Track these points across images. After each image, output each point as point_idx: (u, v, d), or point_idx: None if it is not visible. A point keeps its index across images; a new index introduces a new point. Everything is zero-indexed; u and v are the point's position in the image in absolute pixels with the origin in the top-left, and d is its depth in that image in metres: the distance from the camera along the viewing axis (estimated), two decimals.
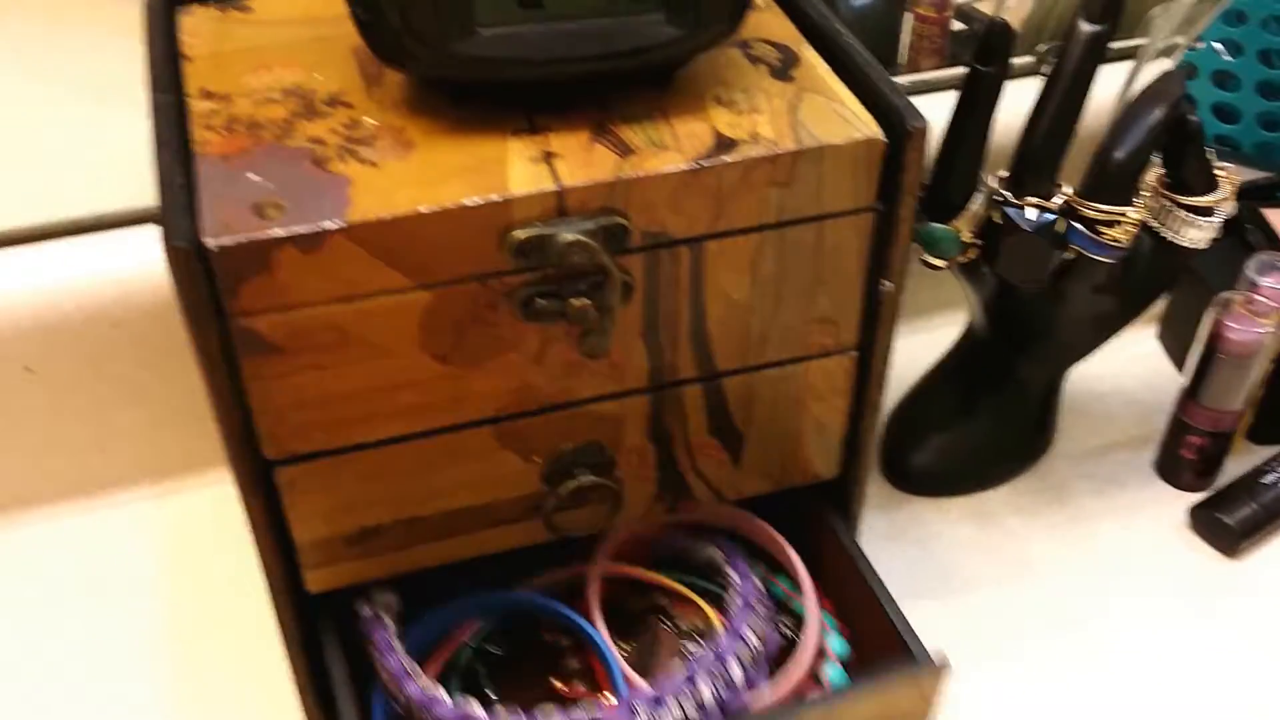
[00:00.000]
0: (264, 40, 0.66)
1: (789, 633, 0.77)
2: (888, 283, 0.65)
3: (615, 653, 0.71)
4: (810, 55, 0.67)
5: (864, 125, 0.61)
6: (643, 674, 0.73)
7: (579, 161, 0.58)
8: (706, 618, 0.76)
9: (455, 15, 0.56)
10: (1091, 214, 0.74)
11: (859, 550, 0.74)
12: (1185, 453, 0.88)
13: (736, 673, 0.67)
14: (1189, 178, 0.77)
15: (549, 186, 0.57)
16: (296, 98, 0.62)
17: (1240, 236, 0.96)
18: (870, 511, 0.77)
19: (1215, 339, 0.84)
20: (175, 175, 0.56)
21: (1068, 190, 0.76)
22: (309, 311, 0.56)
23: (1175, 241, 0.78)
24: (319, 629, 0.70)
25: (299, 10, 0.68)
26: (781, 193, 0.60)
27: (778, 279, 0.64)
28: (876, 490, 0.88)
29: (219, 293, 0.54)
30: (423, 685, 0.66)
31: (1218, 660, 0.80)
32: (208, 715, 0.77)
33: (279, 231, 0.54)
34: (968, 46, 1.04)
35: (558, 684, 0.75)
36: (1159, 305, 0.97)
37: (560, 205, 0.57)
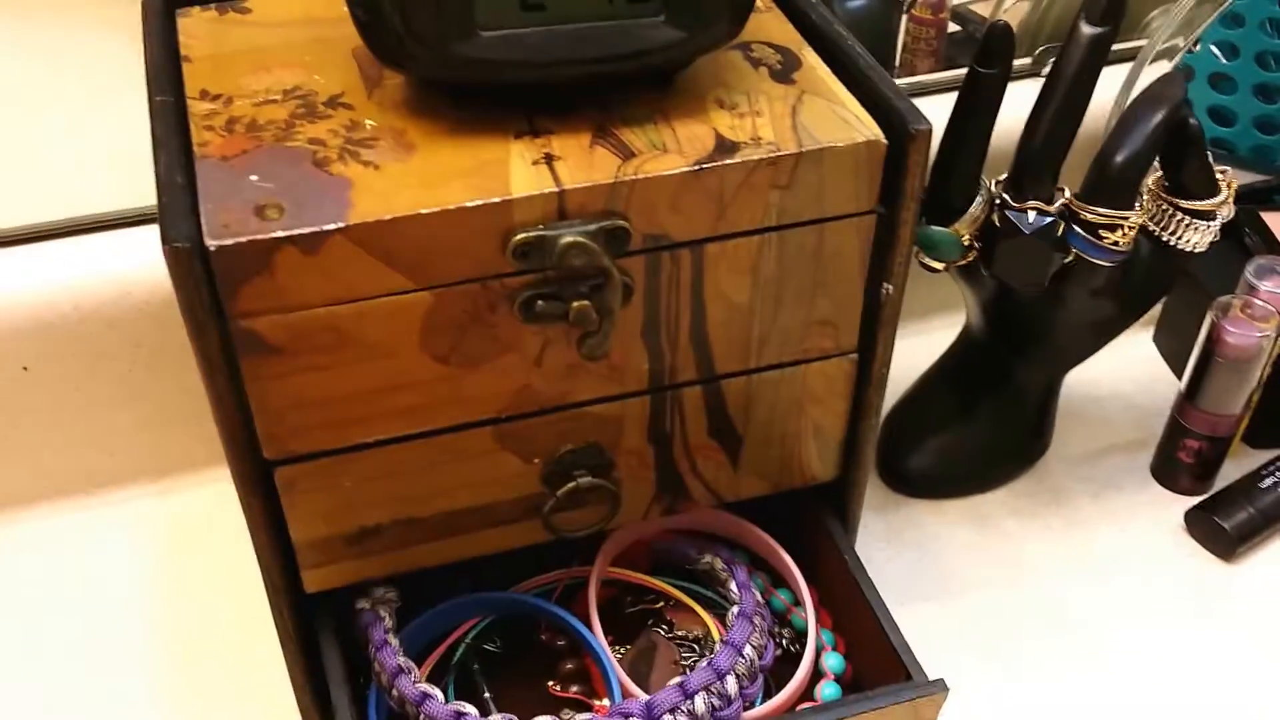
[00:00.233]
0: (263, 41, 0.65)
1: (787, 645, 0.77)
2: (889, 286, 0.65)
3: (611, 658, 0.71)
4: (811, 58, 0.66)
5: (865, 128, 0.61)
6: (638, 679, 0.73)
7: (580, 164, 0.58)
8: (705, 625, 0.76)
9: (456, 17, 0.56)
10: (1091, 218, 0.74)
11: (857, 559, 0.74)
12: (1182, 456, 0.88)
13: (731, 686, 0.67)
14: (1189, 181, 0.77)
15: (550, 189, 0.57)
16: (297, 99, 0.61)
17: (1238, 240, 0.96)
18: (867, 513, 0.77)
19: (1213, 343, 0.84)
20: (175, 176, 0.55)
21: (1068, 193, 0.76)
22: (309, 313, 0.56)
23: (1174, 245, 0.78)
24: (317, 628, 0.69)
25: (298, 11, 0.68)
26: (782, 195, 0.60)
27: (778, 281, 0.64)
28: (873, 492, 0.88)
29: (219, 294, 0.54)
30: (415, 681, 0.66)
31: (1214, 664, 0.80)
32: (205, 713, 0.77)
33: (279, 233, 0.54)
34: (964, 49, 1.04)
35: (553, 686, 0.75)
36: (1156, 308, 0.97)
37: (561, 207, 0.57)
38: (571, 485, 0.67)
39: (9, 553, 0.87)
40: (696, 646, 0.77)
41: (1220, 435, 0.87)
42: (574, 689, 0.74)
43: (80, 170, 0.87)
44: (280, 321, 0.56)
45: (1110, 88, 0.91)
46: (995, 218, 0.75)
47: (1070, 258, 0.76)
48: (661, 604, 0.79)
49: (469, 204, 0.56)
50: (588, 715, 0.66)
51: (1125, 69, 0.94)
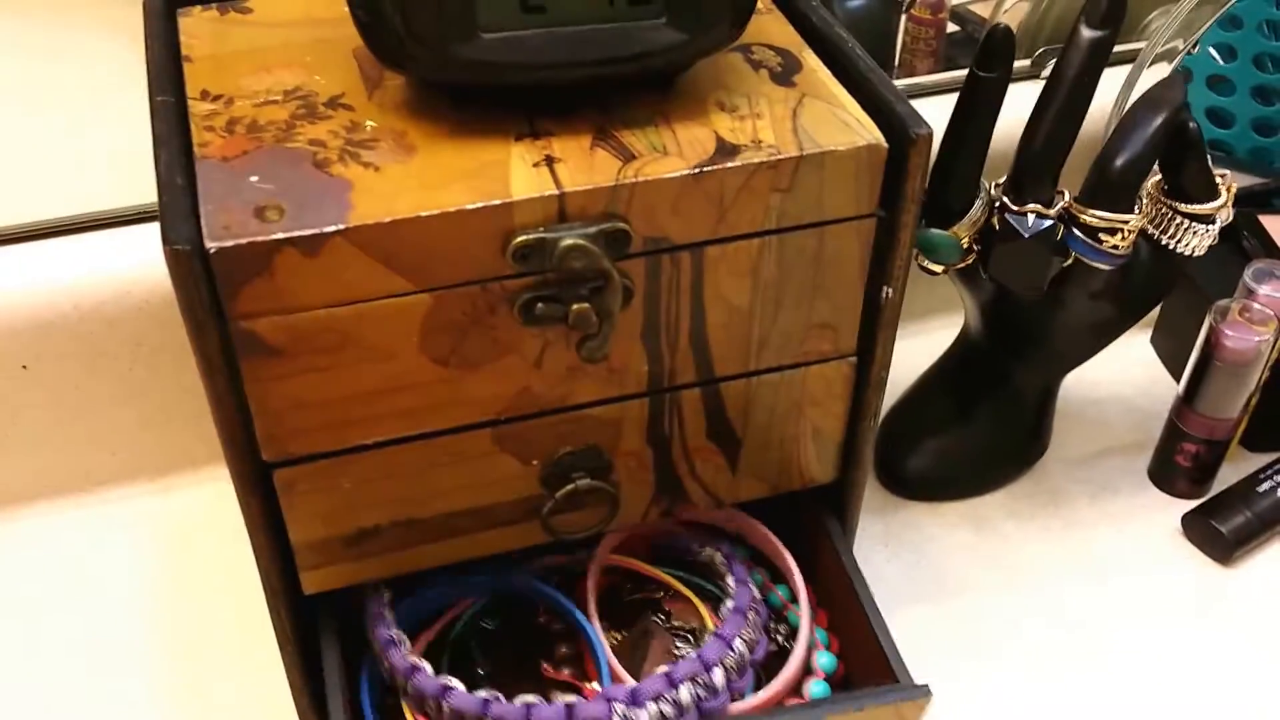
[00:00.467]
0: (264, 42, 0.65)
1: (783, 641, 0.77)
2: (889, 289, 0.65)
3: (605, 644, 0.71)
4: (812, 60, 0.66)
5: (866, 131, 0.61)
6: (631, 666, 0.73)
7: (580, 166, 0.58)
8: (701, 617, 0.76)
9: (457, 18, 0.56)
10: (1091, 221, 0.74)
11: (853, 561, 0.74)
12: (1180, 460, 0.89)
13: (719, 678, 0.67)
14: (1188, 185, 0.77)
15: (550, 191, 0.56)
16: (297, 100, 0.61)
17: (1236, 243, 0.96)
18: (866, 515, 0.77)
19: (1212, 347, 0.84)
20: (175, 176, 0.55)
21: (1067, 197, 0.76)
22: (309, 314, 0.56)
23: (1173, 249, 0.78)
24: (318, 629, 0.69)
25: (299, 12, 0.68)
26: (783, 198, 0.60)
27: (778, 284, 0.64)
28: (871, 494, 0.88)
29: (219, 295, 0.54)
30: (406, 654, 0.67)
31: (1211, 667, 0.80)
32: (203, 712, 0.77)
33: (279, 234, 0.54)
34: (963, 49, 1.04)
35: (547, 668, 0.75)
36: (1154, 311, 0.97)
37: (561, 210, 0.57)
38: (570, 487, 0.67)
39: (8, 551, 0.87)
40: (691, 637, 0.77)
41: (1218, 439, 0.87)
42: (566, 672, 0.75)
43: (81, 168, 0.86)
44: (280, 323, 0.56)
45: (1110, 90, 0.91)
46: (995, 221, 0.75)
47: (1069, 261, 0.76)
48: (661, 594, 0.79)
49: (469, 206, 0.55)
50: (573, 697, 0.66)
51: (1125, 71, 0.94)
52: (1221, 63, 1.09)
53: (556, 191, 0.57)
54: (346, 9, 0.58)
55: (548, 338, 0.61)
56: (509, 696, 0.66)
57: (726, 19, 0.60)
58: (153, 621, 0.82)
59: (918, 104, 0.62)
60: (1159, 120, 0.74)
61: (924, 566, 0.85)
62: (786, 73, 0.65)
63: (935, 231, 0.76)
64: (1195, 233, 0.77)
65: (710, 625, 0.75)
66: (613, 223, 0.58)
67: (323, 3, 0.68)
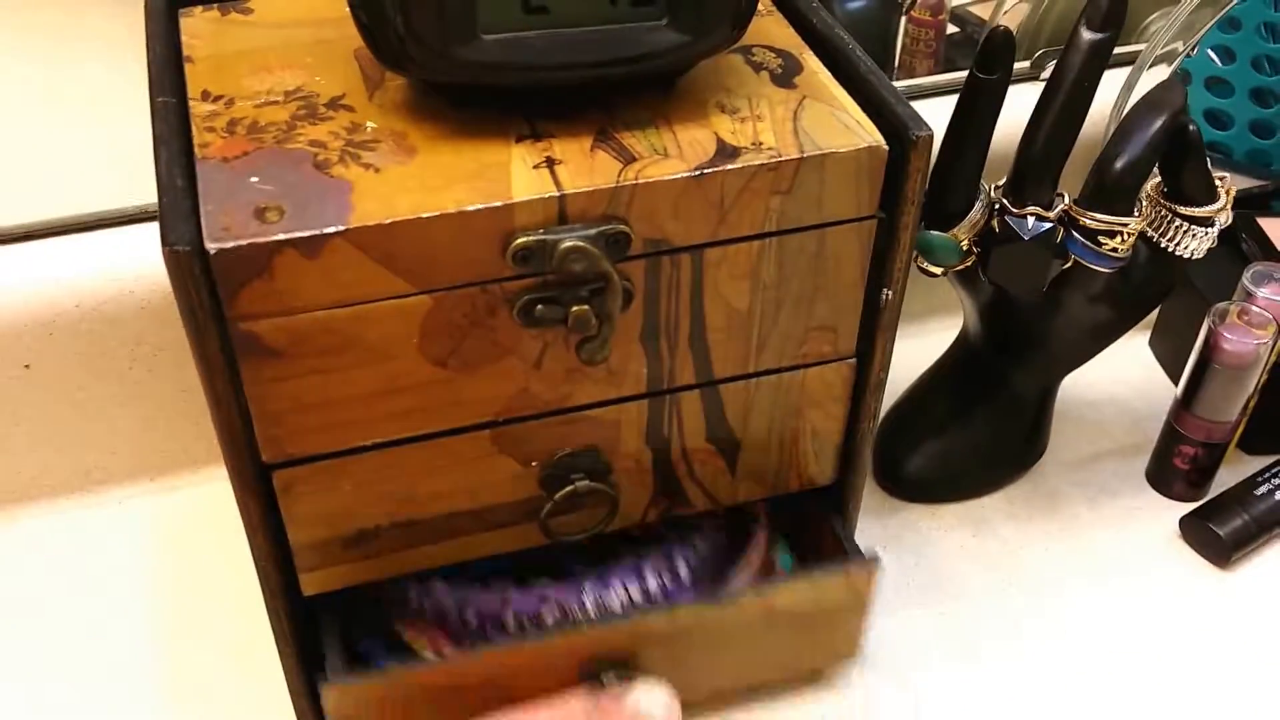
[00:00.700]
0: (265, 42, 0.65)
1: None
2: (888, 291, 0.65)
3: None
4: (812, 62, 0.66)
5: (866, 133, 0.61)
6: None
7: (581, 168, 0.58)
8: None
9: (458, 20, 0.56)
10: (1091, 224, 0.74)
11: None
12: (1178, 462, 0.89)
13: (683, 570, 0.70)
14: (1188, 187, 0.77)
15: (550, 193, 0.56)
16: (298, 100, 0.61)
17: (1235, 246, 0.96)
18: (864, 517, 0.77)
19: (1210, 349, 0.84)
20: (176, 177, 0.55)
21: (1067, 199, 0.76)
22: (309, 316, 0.56)
23: (1172, 251, 0.78)
24: (316, 628, 0.69)
25: (300, 12, 0.68)
26: (783, 200, 0.60)
27: (778, 286, 0.64)
28: (869, 496, 0.88)
29: (219, 296, 0.54)
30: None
31: (1208, 670, 0.80)
32: (203, 712, 0.77)
33: (279, 235, 0.53)
34: (962, 50, 1.04)
35: None
36: (1152, 313, 0.97)
37: (562, 211, 0.57)
38: (569, 489, 0.67)
39: (8, 550, 0.87)
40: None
41: (1216, 442, 0.87)
42: None
43: (82, 168, 0.86)
44: (280, 324, 0.56)
45: (1109, 92, 0.91)
46: (994, 223, 0.75)
47: (1069, 264, 0.76)
48: None
49: (470, 208, 0.55)
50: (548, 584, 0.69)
51: (1124, 73, 0.94)
52: (1220, 65, 1.09)
53: (557, 193, 0.56)
54: (347, 9, 0.57)
55: (547, 339, 0.61)
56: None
57: (728, 21, 0.60)
58: (152, 621, 0.82)
59: (917, 105, 0.62)
60: (1159, 123, 0.74)
61: (922, 568, 0.85)
62: (787, 74, 0.65)
63: (935, 234, 0.76)
64: (1194, 235, 0.77)
65: None
66: (613, 225, 0.58)
67: (324, 3, 0.68)
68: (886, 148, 0.61)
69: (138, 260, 0.82)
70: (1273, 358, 0.85)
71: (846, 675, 0.79)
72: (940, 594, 0.84)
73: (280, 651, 0.68)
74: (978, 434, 0.89)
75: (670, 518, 0.73)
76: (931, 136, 0.61)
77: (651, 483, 0.70)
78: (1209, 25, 0.92)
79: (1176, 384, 0.88)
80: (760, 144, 0.60)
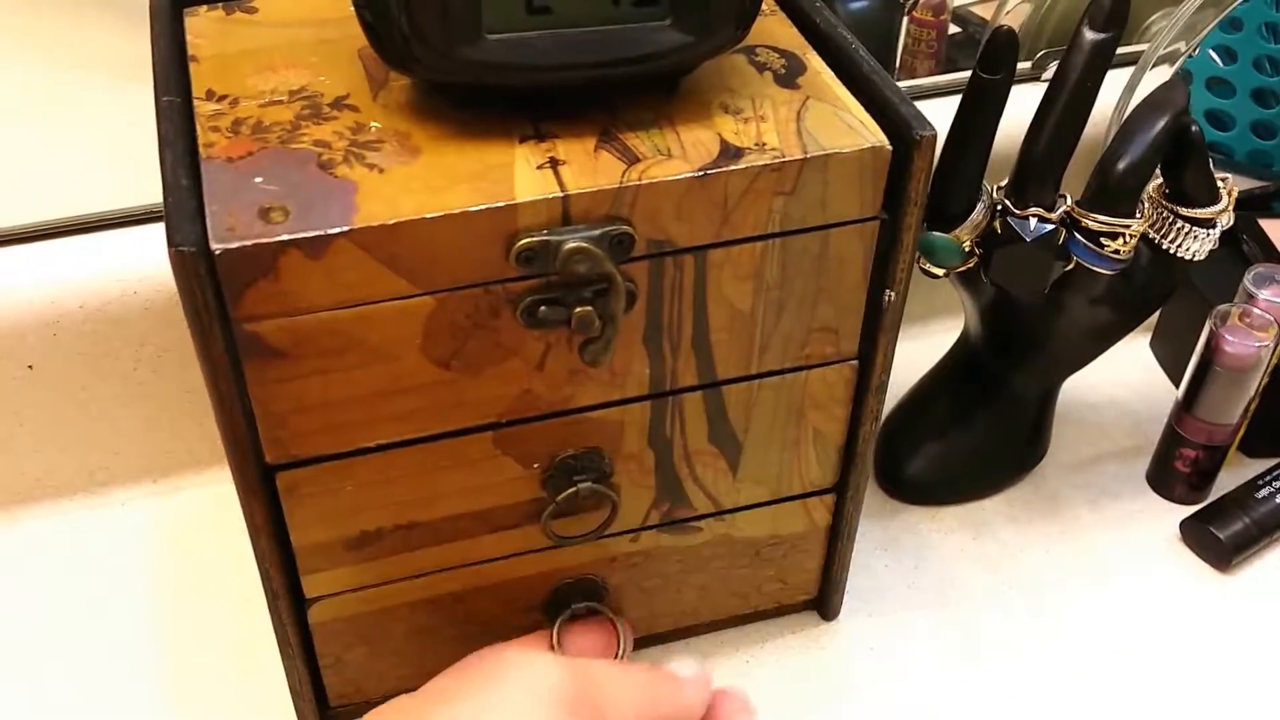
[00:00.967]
0: (270, 42, 0.65)
1: None
2: (891, 292, 0.65)
3: None
4: (816, 62, 0.66)
5: (870, 133, 0.61)
6: None
7: (584, 169, 0.58)
8: None
9: (463, 19, 0.56)
10: (1093, 225, 0.74)
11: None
12: (1179, 465, 0.89)
13: None
14: (1190, 188, 0.77)
15: (554, 193, 0.56)
16: (302, 100, 0.61)
17: (1236, 247, 0.96)
18: (864, 519, 0.77)
19: (1211, 352, 0.84)
20: (180, 178, 0.55)
21: (1069, 201, 0.76)
22: (313, 316, 0.56)
23: (1174, 253, 0.78)
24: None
25: (304, 12, 0.68)
26: (786, 201, 0.60)
27: (781, 287, 0.63)
28: (870, 498, 0.88)
29: (223, 297, 0.54)
30: None
31: (1209, 674, 0.80)
32: (205, 714, 0.77)
33: (284, 236, 0.53)
34: (964, 50, 1.04)
35: None
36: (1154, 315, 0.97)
37: (565, 212, 0.57)
38: (571, 491, 0.67)
39: (12, 551, 0.87)
40: None
41: (1217, 444, 0.87)
42: None
43: (86, 168, 0.86)
44: (284, 325, 0.56)
45: (1111, 93, 0.91)
46: (996, 224, 0.75)
47: (1070, 265, 0.76)
48: None
49: (473, 208, 0.55)
50: None
51: (1126, 74, 0.94)
52: (1221, 65, 1.09)
53: (560, 194, 0.56)
54: (351, 9, 0.57)
55: (550, 340, 0.61)
56: None
57: (731, 21, 0.60)
58: (155, 622, 0.82)
59: (919, 106, 0.62)
60: (1161, 124, 0.73)
61: (923, 571, 0.85)
62: (790, 75, 0.65)
63: (937, 235, 0.76)
64: (1196, 237, 0.77)
65: None
66: (616, 225, 0.58)
67: (328, 2, 0.68)
68: (890, 148, 0.61)
69: (142, 261, 0.82)
70: (1274, 360, 0.85)
71: (846, 679, 0.79)
72: (941, 597, 0.84)
73: (283, 653, 0.68)
74: (978, 436, 0.89)
75: None
76: (935, 136, 0.61)
77: (653, 484, 0.70)
78: (1211, 26, 0.92)
79: (1178, 386, 0.88)
80: (764, 144, 0.60)
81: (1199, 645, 0.81)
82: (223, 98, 0.61)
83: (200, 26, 0.66)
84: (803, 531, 0.76)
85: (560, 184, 0.57)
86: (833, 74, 0.65)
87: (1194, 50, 0.95)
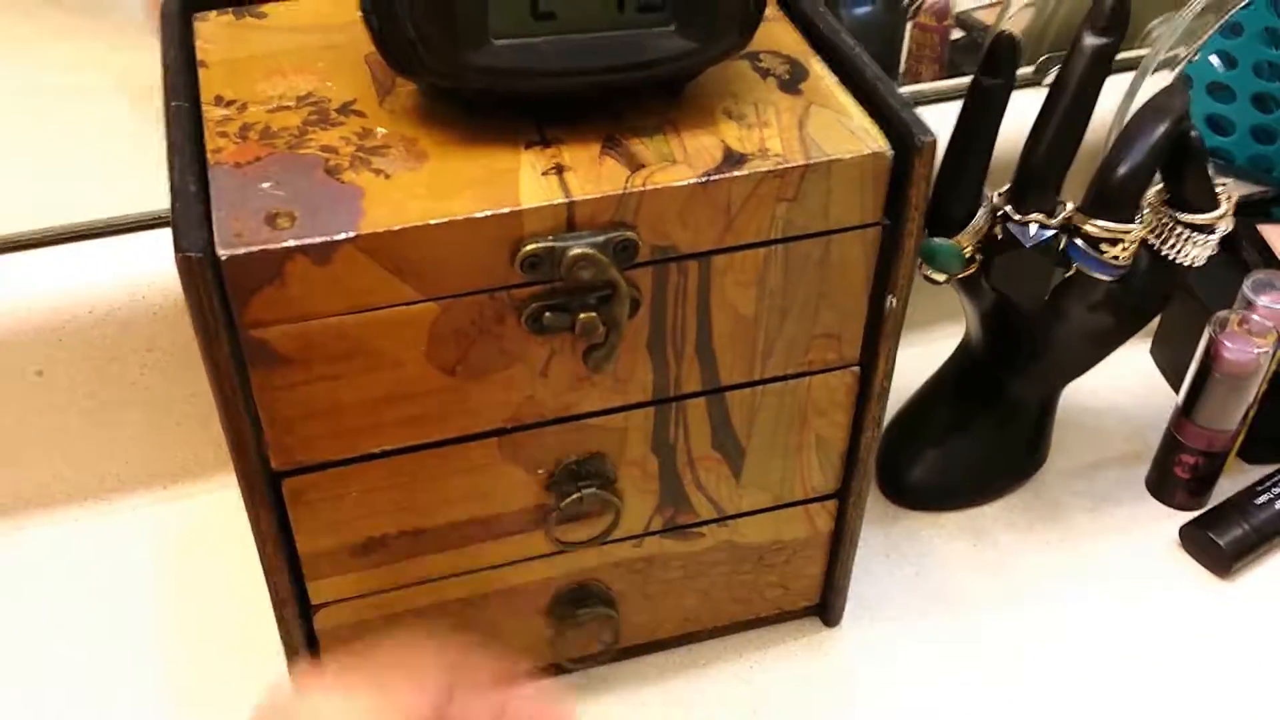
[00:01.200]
0: (278, 47, 0.65)
1: None
2: (893, 298, 0.65)
3: None
4: (819, 67, 0.66)
5: (872, 139, 0.61)
6: None
7: (589, 175, 0.58)
8: None
9: (469, 25, 0.56)
10: (1093, 231, 0.74)
11: None
12: (1178, 471, 0.89)
13: None
14: (1190, 194, 0.77)
15: (559, 200, 0.56)
16: (310, 105, 0.61)
17: (1236, 253, 0.96)
18: (866, 526, 0.77)
19: (1211, 358, 0.84)
20: (188, 183, 0.55)
21: (1069, 207, 0.76)
22: (319, 322, 0.56)
23: (1174, 259, 0.78)
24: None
25: (312, 17, 0.68)
26: (789, 207, 0.60)
27: (784, 293, 0.64)
28: (871, 504, 0.88)
29: (230, 303, 0.54)
30: None
31: (1208, 680, 0.80)
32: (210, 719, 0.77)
33: (291, 242, 0.53)
34: (967, 54, 1.05)
35: None
36: (1154, 320, 0.97)
37: (570, 219, 0.57)
38: (575, 496, 0.67)
39: (19, 556, 0.87)
40: None
41: (1216, 451, 0.87)
42: None
43: (94, 173, 0.86)
44: (291, 331, 0.56)
45: (1112, 97, 0.91)
46: (997, 230, 0.76)
47: (1071, 271, 0.77)
48: None
49: (479, 215, 0.55)
50: None
51: (1127, 78, 0.94)
52: (1221, 70, 1.09)
53: (565, 200, 0.57)
54: (356, 14, 0.58)
55: (554, 347, 0.61)
56: None
57: (735, 27, 0.60)
58: (161, 628, 0.82)
59: (922, 111, 0.62)
60: (1161, 130, 0.74)
61: (924, 579, 0.85)
62: (794, 80, 0.65)
63: (938, 240, 0.76)
64: (1195, 243, 0.77)
65: None
66: (621, 232, 0.58)
67: (336, 7, 0.68)
68: (892, 154, 0.61)
69: (150, 266, 0.82)
70: (1273, 367, 0.85)
71: (849, 685, 0.79)
72: (942, 603, 0.84)
73: (288, 659, 0.68)
74: (979, 442, 0.89)
75: None
76: (935, 142, 0.61)
77: (657, 490, 0.70)
78: (1212, 31, 0.92)
79: (1177, 392, 0.89)
80: (767, 150, 0.60)
81: (1199, 650, 0.81)
82: (231, 103, 0.61)
83: (210, 31, 0.66)
84: (805, 537, 0.76)
85: (565, 190, 0.57)
86: (835, 80, 0.65)
87: (1194, 55, 0.95)
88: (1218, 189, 0.78)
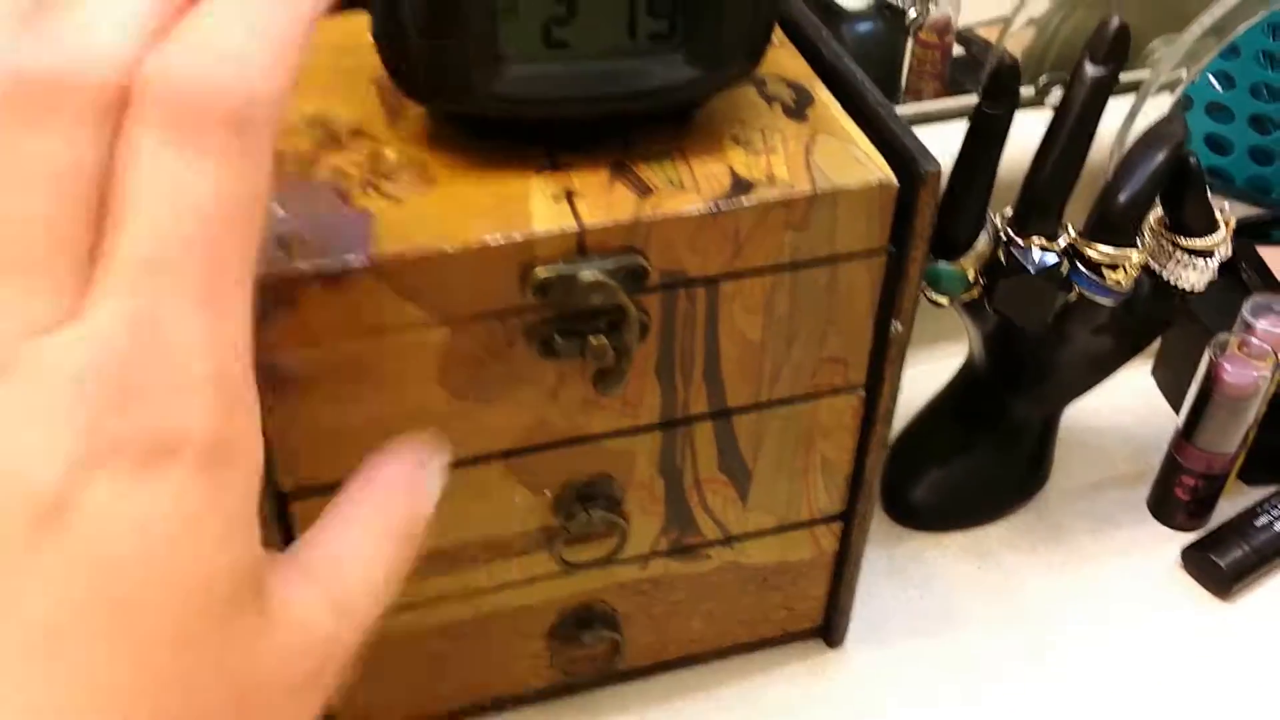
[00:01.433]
0: None
1: None
2: (898, 324, 0.66)
3: None
4: (823, 94, 0.67)
5: (877, 168, 0.61)
6: None
7: (599, 201, 0.58)
8: None
9: (482, 52, 0.56)
10: (1095, 256, 0.75)
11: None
12: (1179, 493, 0.89)
13: None
14: (1189, 219, 0.77)
15: (570, 226, 0.57)
16: (320, 128, 0.62)
17: (1235, 275, 0.97)
18: (870, 546, 0.77)
19: (1211, 381, 0.84)
20: None
21: (1071, 232, 0.76)
22: (329, 346, 0.56)
23: (1174, 283, 0.79)
24: None
25: (319, 37, 0.67)
26: (796, 235, 0.61)
27: (791, 318, 0.64)
28: (874, 524, 0.88)
29: None
30: None
31: (1209, 701, 0.80)
32: None
33: (304, 267, 0.54)
34: (967, 71, 1.05)
35: None
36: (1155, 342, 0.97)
37: (581, 244, 0.57)
38: (581, 517, 0.67)
39: None
40: None
41: (1216, 473, 0.88)
42: None
43: None
44: (301, 354, 0.56)
45: (1112, 119, 0.92)
46: (1000, 254, 0.76)
47: (1073, 295, 0.77)
48: None
49: (491, 240, 0.56)
50: None
51: (1128, 100, 0.95)
52: (1220, 90, 1.10)
53: (576, 226, 0.57)
54: (366, 37, 0.58)
55: (564, 370, 0.61)
56: None
57: (743, 54, 0.60)
58: None
59: (924, 131, 0.63)
60: (1161, 157, 0.74)
61: (928, 599, 0.86)
62: (799, 106, 0.66)
63: (941, 264, 0.77)
64: (1195, 267, 0.78)
65: None
66: (631, 257, 0.58)
67: (341, 29, 0.68)
68: (897, 183, 0.61)
69: None
70: (1272, 389, 0.85)
71: (853, 706, 0.79)
72: (946, 624, 0.84)
73: None
74: (982, 462, 0.90)
75: None
76: (940, 172, 0.61)
77: (663, 512, 0.70)
78: (1213, 54, 0.93)
79: (1178, 412, 0.89)
80: (774, 178, 0.60)
81: (1201, 671, 0.82)
82: None
83: None
84: (810, 559, 0.76)
85: (576, 216, 0.57)
86: (840, 107, 0.66)
87: (1195, 78, 0.96)
88: (1216, 214, 0.78)
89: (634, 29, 0.58)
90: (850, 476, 0.73)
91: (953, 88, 1.05)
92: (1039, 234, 0.75)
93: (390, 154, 0.60)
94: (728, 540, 0.74)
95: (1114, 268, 0.75)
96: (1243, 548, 0.86)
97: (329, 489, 0.60)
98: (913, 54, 1.04)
